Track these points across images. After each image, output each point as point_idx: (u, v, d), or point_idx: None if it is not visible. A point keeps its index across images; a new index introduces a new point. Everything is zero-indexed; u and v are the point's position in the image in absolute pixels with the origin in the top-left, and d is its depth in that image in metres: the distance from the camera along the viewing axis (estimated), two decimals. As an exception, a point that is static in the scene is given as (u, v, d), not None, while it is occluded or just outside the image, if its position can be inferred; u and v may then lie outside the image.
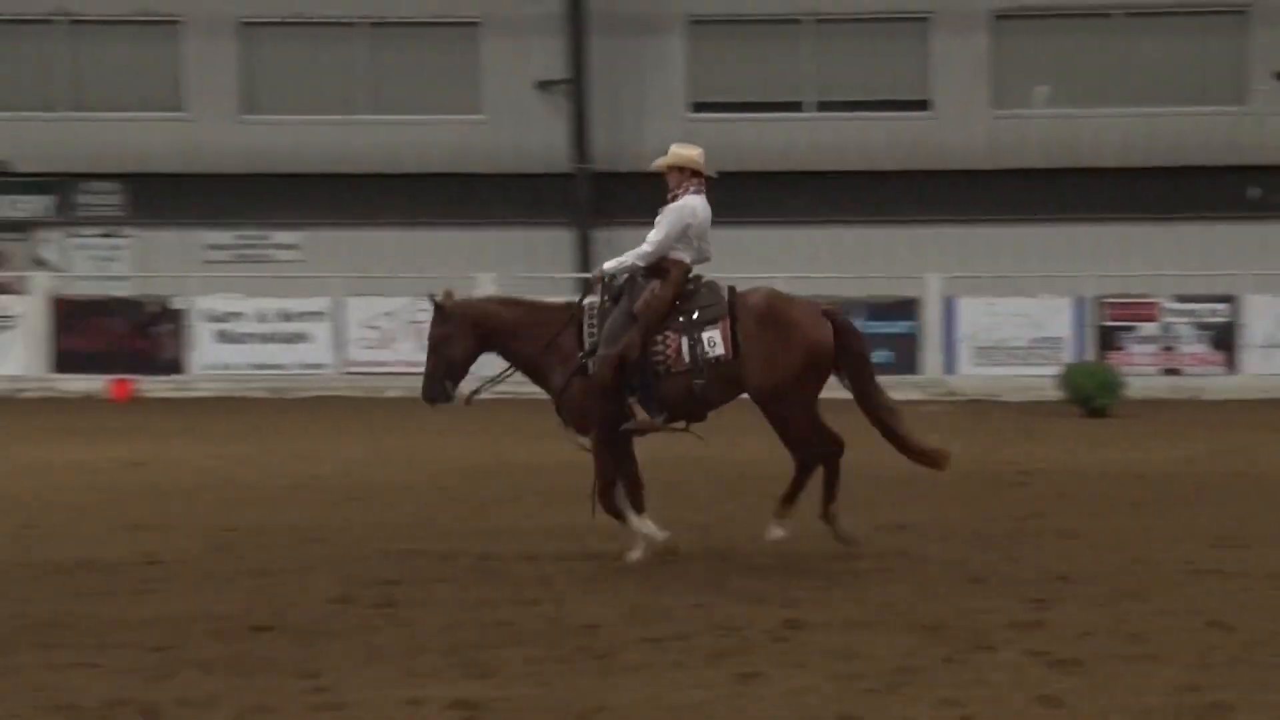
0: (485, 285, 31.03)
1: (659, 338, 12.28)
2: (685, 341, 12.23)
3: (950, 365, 30.80)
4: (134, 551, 12.93)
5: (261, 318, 31.26)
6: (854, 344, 12.46)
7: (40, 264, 34.11)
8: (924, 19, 34.62)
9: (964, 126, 34.43)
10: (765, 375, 12.18)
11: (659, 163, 12.51)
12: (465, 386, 12.79)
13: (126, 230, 35.04)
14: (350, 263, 33.01)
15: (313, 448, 21.34)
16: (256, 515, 14.78)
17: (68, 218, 34.94)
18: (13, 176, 34.66)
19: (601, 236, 34.39)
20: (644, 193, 34.27)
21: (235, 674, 8.95)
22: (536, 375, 12.67)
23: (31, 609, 10.74)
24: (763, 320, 12.24)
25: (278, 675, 8.92)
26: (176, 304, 31.55)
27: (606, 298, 12.43)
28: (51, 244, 34.91)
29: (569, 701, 8.38)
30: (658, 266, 12.35)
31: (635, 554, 12.36)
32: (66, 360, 31.25)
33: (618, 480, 12.45)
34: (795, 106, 34.77)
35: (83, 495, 16.48)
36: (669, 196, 12.46)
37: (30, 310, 31.51)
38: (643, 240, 12.39)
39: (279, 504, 15.73)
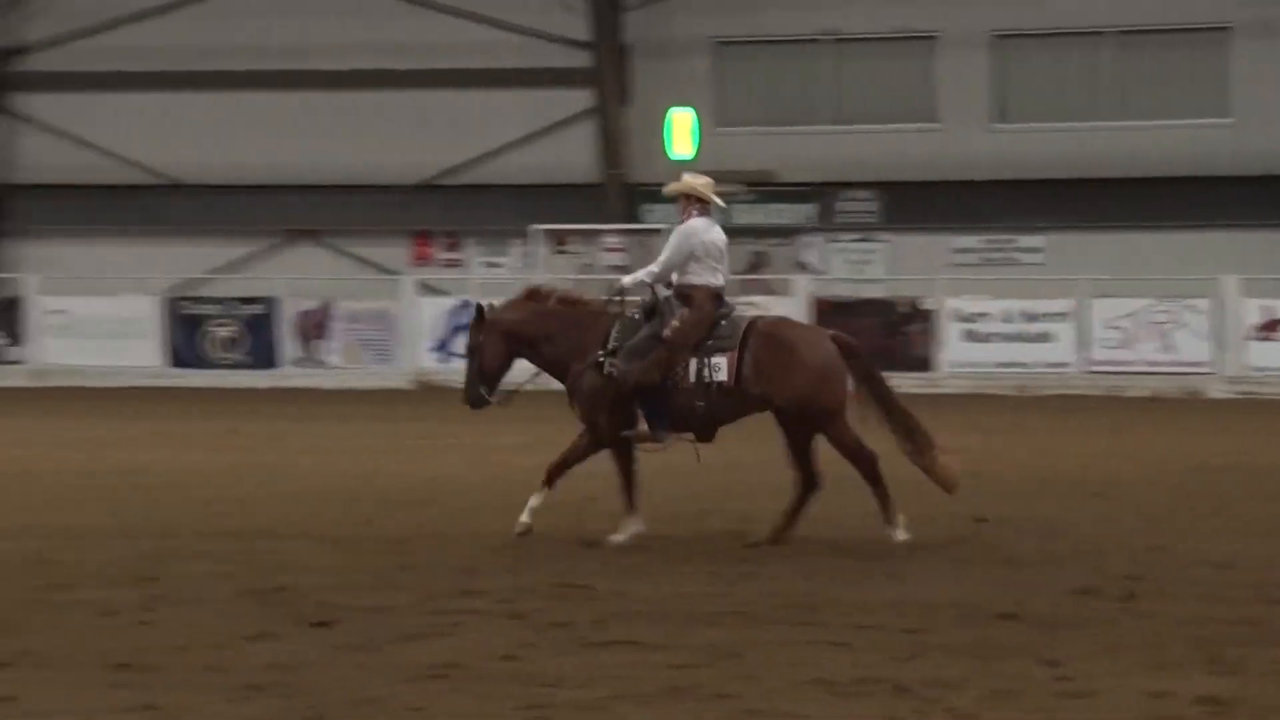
0: (1229, 286, 30.02)
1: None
2: (694, 364, 12.59)
3: None
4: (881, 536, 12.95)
5: (1007, 318, 31.14)
6: (860, 363, 12.82)
7: (801, 267, 34.94)
8: None
9: None
10: (782, 392, 12.53)
11: (669, 188, 13.03)
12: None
13: (880, 235, 35.50)
14: (1093, 265, 32.41)
15: (1054, 444, 21.04)
16: (1006, 507, 14.61)
17: (827, 224, 35.66)
18: (777, 186, 35.62)
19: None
20: None
21: (979, 658, 8.82)
22: (559, 375, 13.01)
23: (785, 588, 10.92)
24: (771, 345, 12.59)
25: (1021, 661, 8.75)
26: (926, 304, 31.76)
27: (636, 311, 12.75)
28: (813, 248, 35.71)
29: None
30: (686, 294, 12.63)
31: (618, 537, 12.63)
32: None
33: (578, 463, 12.83)
34: None
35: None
36: (679, 220, 12.81)
37: (790, 310, 32.19)
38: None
39: (1027, 497, 15.55)
